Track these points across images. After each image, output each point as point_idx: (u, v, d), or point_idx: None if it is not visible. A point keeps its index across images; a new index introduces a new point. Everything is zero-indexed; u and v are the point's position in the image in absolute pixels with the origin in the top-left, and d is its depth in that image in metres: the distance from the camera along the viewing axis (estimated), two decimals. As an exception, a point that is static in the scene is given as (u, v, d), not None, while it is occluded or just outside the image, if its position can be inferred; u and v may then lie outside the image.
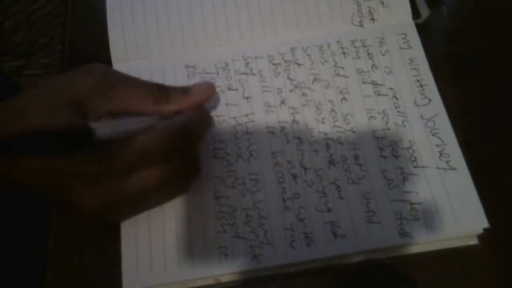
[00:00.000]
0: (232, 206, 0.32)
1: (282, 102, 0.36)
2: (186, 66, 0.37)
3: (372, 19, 0.39)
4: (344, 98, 0.36)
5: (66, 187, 0.26)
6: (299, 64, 0.37)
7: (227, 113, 0.36)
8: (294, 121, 0.35)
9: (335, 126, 0.35)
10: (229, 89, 0.37)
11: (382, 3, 0.39)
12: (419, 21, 0.39)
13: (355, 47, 0.38)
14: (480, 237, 0.32)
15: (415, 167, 0.33)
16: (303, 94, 0.36)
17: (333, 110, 0.36)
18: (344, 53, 0.38)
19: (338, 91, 0.36)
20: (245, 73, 0.37)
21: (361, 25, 0.39)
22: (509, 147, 0.35)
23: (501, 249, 0.32)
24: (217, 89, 0.36)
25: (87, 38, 0.40)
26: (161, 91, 0.31)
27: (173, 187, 0.31)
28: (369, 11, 0.39)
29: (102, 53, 0.38)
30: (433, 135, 0.34)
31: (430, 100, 0.36)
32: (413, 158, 0.34)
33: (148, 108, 0.30)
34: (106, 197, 0.27)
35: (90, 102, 0.28)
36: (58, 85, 0.28)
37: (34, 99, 0.27)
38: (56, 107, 0.27)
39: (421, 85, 0.36)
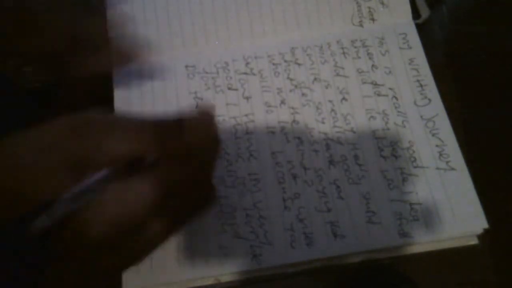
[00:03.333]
0: (232, 206, 0.32)
1: (282, 102, 0.36)
2: (186, 66, 0.37)
3: (372, 19, 0.39)
4: (344, 98, 0.36)
5: None
6: (299, 64, 0.37)
7: (227, 113, 0.36)
8: (294, 121, 0.35)
9: (335, 126, 0.35)
10: (229, 89, 0.37)
11: (382, 3, 0.39)
12: (419, 21, 0.39)
13: (355, 47, 0.38)
14: (480, 237, 0.32)
15: (415, 167, 0.33)
16: (303, 94, 0.36)
17: (333, 110, 0.36)
18: (344, 53, 0.38)
19: (338, 91, 0.36)
20: (245, 73, 0.37)
21: (361, 25, 0.39)
22: (509, 147, 0.35)
23: (501, 249, 0.32)
24: (217, 89, 0.36)
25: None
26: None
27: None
28: (369, 11, 0.39)
29: (102, 53, 0.37)
30: (433, 135, 0.34)
31: (430, 100, 0.36)
32: (413, 158, 0.34)
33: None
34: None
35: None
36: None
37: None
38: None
39: (421, 85, 0.36)
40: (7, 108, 0.33)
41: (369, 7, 0.39)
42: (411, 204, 0.32)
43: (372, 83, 0.36)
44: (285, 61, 0.37)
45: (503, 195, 0.34)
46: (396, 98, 0.36)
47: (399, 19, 0.39)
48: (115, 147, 0.22)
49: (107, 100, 0.36)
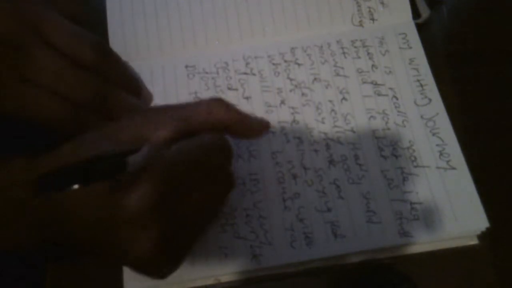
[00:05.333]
0: (232, 206, 0.32)
1: (282, 102, 0.36)
2: (186, 66, 0.37)
3: (372, 19, 0.39)
4: (344, 98, 0.36)
5: (112, 228, 0.23)
6: (299, 64, 0.37)
7: (227, 113, 0.36)
8: (294, 121, 0.35)
9: (335, 126, 0.35)
10: (229, 89, 0.37)
11: (382, 3, 0.39)
12: (419, 21, 0.39)
13: (355, 47, 0.38)
14: (480, 237, 0.32)
15: (415, 167, 0.33)
16: (303, 94, 0.36)
17: (333, 110, 0.36)
18: (344, 53, 0.38)
19: (338, 91, 0.36)
20: (245, 73, 0.37)
21: (361, 25, 0.39)
22: (509, 147, 0.35)
23: (501, 249, 0.32)
24: (217, 89, 0.37)
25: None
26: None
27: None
28: (369, 11, 0.39)
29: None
30: (433, 135, 0.34)
31: (430, 100, 0.36)
32: (413, 158, 0.34)
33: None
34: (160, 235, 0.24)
35: (150, 137, 0.25)
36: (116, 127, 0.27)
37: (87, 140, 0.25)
38: (115, 143, 0.25)
39: (421, 85, 0.36)
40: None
41: (369, 7, 0.39)
42: (411, 203, 0.32)
43: (372, 83, 0.36)
44: (285, 61, 0.37)
45: (504, 195, 0.34)
46: (396, 98, 0.36)
47: (399, 19, 0.39)
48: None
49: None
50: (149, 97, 0.36)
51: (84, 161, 0.22)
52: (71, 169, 0.22)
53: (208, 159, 0.26)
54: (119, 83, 0.32)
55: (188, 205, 0.25)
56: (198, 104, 0.28)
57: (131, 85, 0.34)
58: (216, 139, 0.27)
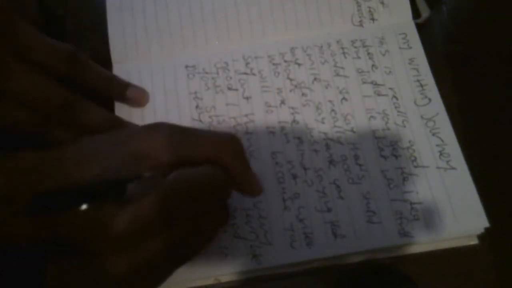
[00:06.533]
0: (232, 206, 0.32)
1: (282, 102, 0.36)
2: (186, 66, 0.37)
3: (372, 19, 0.39)
4: (344, 98, 0.36)
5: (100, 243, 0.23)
6: (299, 64, 0.37)
7: (227, 113, 0.36)
8: (294, 121, 0.35)
9: (335, 126, 0.35)
10: (229, 89, 0.37)
11: (382, 3, 0.39)
12: (419, 21, 0.39)
13: (355, 47, 0.38)
14: (480, 237, 0.32)
15: (415, 167, 0.33)
16: (303, 94, 0.36)
17: (333, 110, 0.36)
18: (344, 53, 0.38)
19: (338, 91, 0.36)
20: (245, 73, 0.37)
21: (361, 25, 0.39)
22: (509, 147, 0.35)
23: (501, 249, 0.32)
24: (217, 89, 0.36)
25: (87, 38, 0.40)
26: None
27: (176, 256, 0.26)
28: (369, 11, 0.39)
29: (102, 53, 0.37)
30: (433, 135, 0.34)
31: (430, 100, 0.36)
32: (413, 158, 0.34)
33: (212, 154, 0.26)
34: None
35: (154, 156, 0.24)
36: (120, 137, 0.25)
37: (90, 148, 0.24)
38: (117, 156, 0.24)
39: (421, 85, 0.36)
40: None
41: (369, 7, 0.39)
42: (411, 203, 0.32)
43: (372, 83, 0.36)
44: (285, 61, 0.37)
45: (504, 195, 0.34)
46: (396, 98, 0.36)
47: (399, 19, 0.39)
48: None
49: (107, 100, 0.35)
50: (138, 96, 0.36)
51: (88, 184, 0.22)
52: (78, 191, 0.22)
53: (205, 194, 0.25)
54: (95, 89, 0.33)
55: (175, 235, 0.24)
56: (209, 137, 0.26)
57: (111, 90, 0.35)
58: (216, 174, 0.26)
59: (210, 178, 0.25)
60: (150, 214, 0.23)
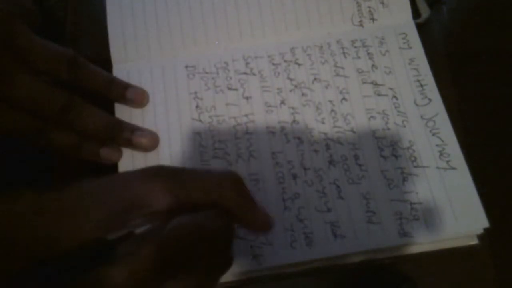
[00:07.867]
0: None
1: (282, 102, 0.36)
2: (186, 66, 0.37)
3: (372, 19, 0.39)
4: (344, 98, 0.36)
5: None
6: (299, 64, 0.37)
7: (227, 113, 0.36)
8: (294, 121, 0.35)
9: (335, 126, 0.35)
10: (229, 89, 0.37)
11: (382, 3, 0.39)
12: (419, 21, 0.39)
13: (355, 47, 0.38)
14: (480, 237, 0.32)
15: (415, 167, 0.33)
16: (303, 94, 0.36)
17: (333, 110, 0.36)
18: (344, 53, 0.38)
19: (338, 91, 0.36)
20: (245, 73, 0.37)
21: (361, 25, 0.39)
22: (509, 147, 0.35)
23: (501, 249, 0.32)
24: (217, 89, 0.36)
25: (87, 38, 0.40)
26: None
27: None
28: (369, 11, 0.39)
29: (102, 53, 0.37)
30: (433, 135, 0.34)
31: (430, 100, 0.36)
32: (413, 158, 0.34)
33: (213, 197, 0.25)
34: None
35: (153, 203, 0.23)
36: (117, 185, 0.24)
37: (86, 200, 0.23)
38: (115, 206, 0.23)
39: (421, 85, 0.36)
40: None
41: (369, 7, 0.39)
42: (411, 203, 0.32)
43: (372, 83, 0.36)
44: (285, 61, 0.37)
45: (504, 195, 0.34)
46: (396, 98, 0.36)
47: (399, 19, 0.39)
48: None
49: (107, 100, 0.35)
50: (138, 97, 0.36)
51: (91, 246, 0.21)
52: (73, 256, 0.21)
53: (207, 244, 0.24)
54: (96, 92, 0.34)
55: (179, 286, 0.23)
56: (209, 178, 0.25)
57: (111, 92, 0.35)
58: (219, 222, 0.24)
59: (212, 225, 0.24)
60: (150, 267, 0.21)
